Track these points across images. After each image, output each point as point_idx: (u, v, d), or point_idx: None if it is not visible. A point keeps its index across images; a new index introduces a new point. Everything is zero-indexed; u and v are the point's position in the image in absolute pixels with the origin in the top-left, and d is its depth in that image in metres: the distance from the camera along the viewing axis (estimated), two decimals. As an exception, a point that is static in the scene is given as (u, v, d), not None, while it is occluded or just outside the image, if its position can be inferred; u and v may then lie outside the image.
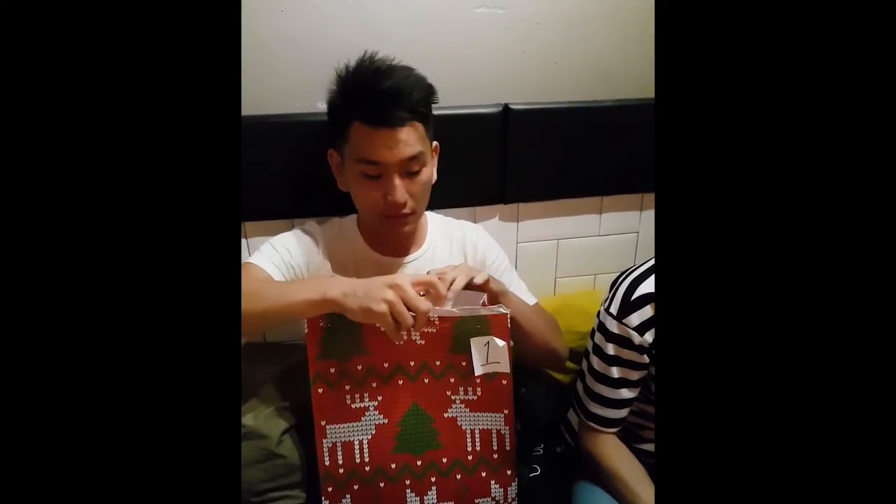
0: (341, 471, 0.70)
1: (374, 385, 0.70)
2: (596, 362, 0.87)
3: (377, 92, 0.76)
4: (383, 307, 0.63)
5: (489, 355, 0.71)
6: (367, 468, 0.70)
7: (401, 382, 0.70)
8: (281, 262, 0.86)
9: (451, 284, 0.73)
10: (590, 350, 0.89)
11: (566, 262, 1.26)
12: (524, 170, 1.13)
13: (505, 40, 1.08)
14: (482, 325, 0.71)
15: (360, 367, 0.69)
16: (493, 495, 0.74)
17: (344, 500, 0.70)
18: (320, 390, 0.69)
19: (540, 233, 1.23)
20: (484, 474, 0.73)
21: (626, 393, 0.86)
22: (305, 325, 0.68)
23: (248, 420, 0.92)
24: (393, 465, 0.71)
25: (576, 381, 0.94)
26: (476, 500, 0.74)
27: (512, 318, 0.83)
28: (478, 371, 0.71)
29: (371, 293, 0.64)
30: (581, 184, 1.18)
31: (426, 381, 0.71)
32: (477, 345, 0.71)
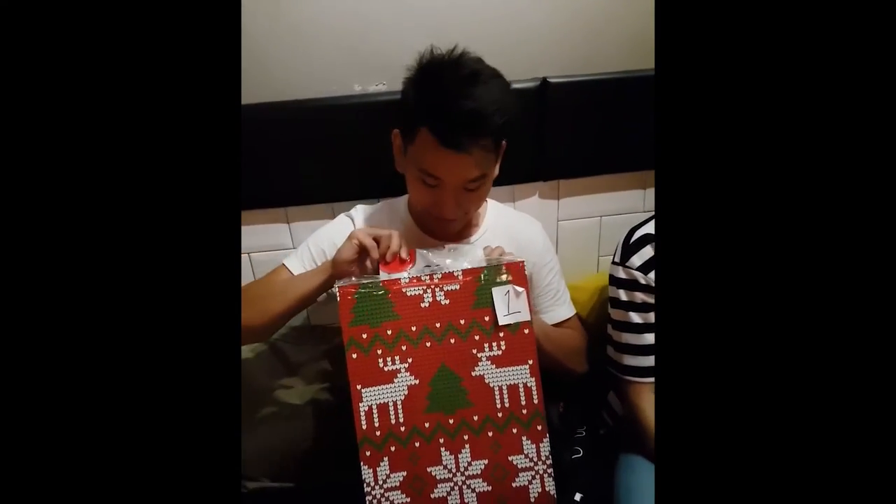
0: (378, 433, 0.73)
1: (405, 348, 0.74)
2: (615, 313, 0.91)
3: (455, 112, 0.71)
4: (354, 243, 0.76)
5: (510, 305, 0.74)
6: (403, 428, 0.73)
7: (428, 345, 0.74)
8: (313, 264, 0.89)
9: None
10: (609, 306, 0.92)
11: (609, 240, 1.23)
12: (564, 145, 1.10)
13: (542, 10, 1.04)
14: (502, 275, 0.74)
15: (390, 332, 0.73)
16: (525, 452, 0.75)
17: (382, 463, 0.73)
18: (354, 356, 0.73)
19: (581, 210, 1.20)
20: (515, 430, 0.75)
21: (651, 338, 0.86)
22: (338, 295, 0.73)
23: (293, 399, 0.95)
24: (427, 425, 0.74)
25: (606, 349, 0.95)
26: (510, 458, 0.75)
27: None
28: (502, 321, 0.73)
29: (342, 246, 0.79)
30: (623, 159, 1.14)
31: (452, 341, 0.74)
32: (499, 294, 0.74)
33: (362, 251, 0.77)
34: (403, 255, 0.76)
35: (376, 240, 0.76)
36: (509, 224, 0.96)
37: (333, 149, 1.04)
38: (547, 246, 0.97)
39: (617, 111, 1.08)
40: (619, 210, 1.21)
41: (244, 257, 1.11)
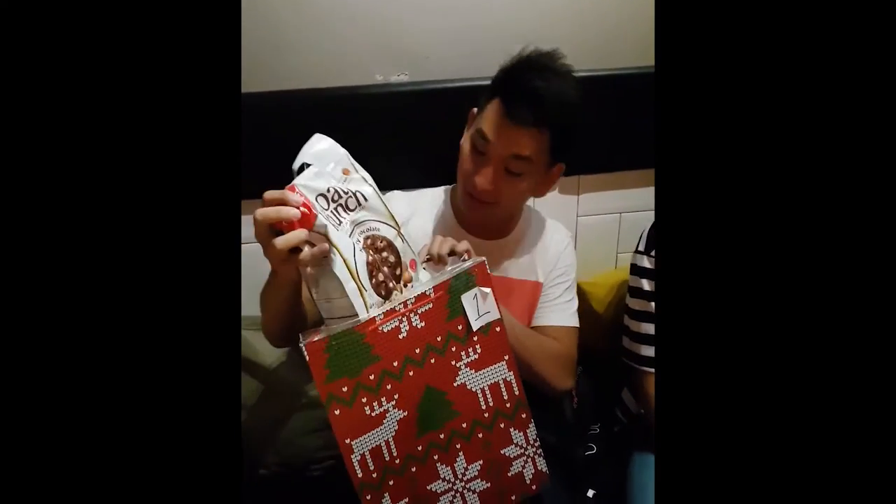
0: (374, 475, 0.70)
1: (389, 387, 0.69)
2: (635, 303, 0.89)
3: (521, 87, 0.81)
4: (259, 234, 0.64)
5: (479, 307, 0.72)
6: (398, 461, 0.71)
7: (412, 373, 0.70)
8: None
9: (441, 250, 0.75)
10: (628, 297, 0.91)
11: (628, 237, 1.22)
12: (584, 141, 1.09)
13: (561, 4, 1.03)
14: (468, 280, 0.72)
15: (372, 377, 0.68)
16: (515, 442, 0.75)
17: (384, 499, 0.71)
18: (337, 412, 0.67)
19: (601, 206, 1.19)
20: (503, 425, 0.75)
21: None
22: (306, 353, 0.65)
23: (307, 389, 0.96)
24: (419, 448, 0.72)
25: (622, 342, 0.94)
26: (501, 451, 0.75)
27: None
28: (475, 326, 0.72)
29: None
30: (643, 155, 1.11)
31: (433, 360, 0.71)
32: (468, 300, 0.72)
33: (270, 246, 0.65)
34: (294, 200, 0.63)
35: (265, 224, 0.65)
36: (538, 227, 0.98)
37: (353, 138, 1.03)
38: (568, 255, 0.96)
39: (637, 107, 1.07)
40: (638, 206, 1.20)
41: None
